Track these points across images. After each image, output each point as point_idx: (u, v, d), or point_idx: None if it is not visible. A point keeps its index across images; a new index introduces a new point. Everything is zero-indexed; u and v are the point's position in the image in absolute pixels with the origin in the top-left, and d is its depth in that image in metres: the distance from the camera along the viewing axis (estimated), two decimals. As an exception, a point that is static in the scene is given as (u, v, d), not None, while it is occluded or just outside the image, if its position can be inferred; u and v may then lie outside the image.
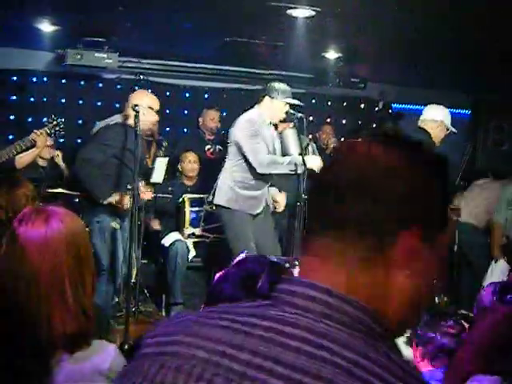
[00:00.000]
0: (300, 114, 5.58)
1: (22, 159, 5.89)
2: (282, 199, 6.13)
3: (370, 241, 0.97)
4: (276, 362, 0.89)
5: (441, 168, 1.04)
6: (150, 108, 5.57)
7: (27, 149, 5.90)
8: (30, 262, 1.79)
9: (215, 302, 1.60)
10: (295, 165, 5.46)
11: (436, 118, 6.03)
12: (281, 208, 6.13)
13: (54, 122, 6.21)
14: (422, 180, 1.00)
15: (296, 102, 5.77)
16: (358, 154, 1.03)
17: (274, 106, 5.63)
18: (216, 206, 5.76)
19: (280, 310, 0.96)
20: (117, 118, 5.64)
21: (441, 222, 1.03)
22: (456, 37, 6.35)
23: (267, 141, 5.62)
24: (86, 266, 1.89)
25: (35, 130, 5.93)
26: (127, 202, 5.37)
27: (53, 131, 6.19)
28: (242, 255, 1.99)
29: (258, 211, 5.65)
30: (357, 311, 0.94)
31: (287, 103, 5.66)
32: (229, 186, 5.61)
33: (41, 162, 7.10)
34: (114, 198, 5.40)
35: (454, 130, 6.08)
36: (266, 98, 5.61)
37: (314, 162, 5.49)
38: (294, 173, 5.51)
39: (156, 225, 6.83)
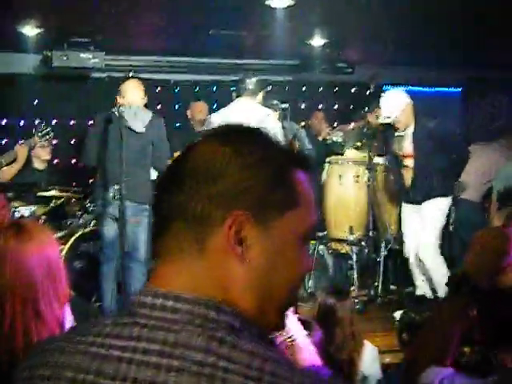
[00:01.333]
0: (284, 105, 5.59)
1: (5, 173, 5.97)
2: None
3: (198, 229, 0.97)
4: (134, 381, 0.90)
5: (269, 150, 1.03)
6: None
7: (11, 161, 5.98)
8: (3, 278, 1.82)
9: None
10: None
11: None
12: None
13: (44, 131, 6.23)
14: (239, 163, 0.99)
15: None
16: (189, 149, 1.05)
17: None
18: None
19: (134, 325, 0.95)
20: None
21: (276, 206, 0.99)
22: (445, 11, 6.31)
23: None
24: (59, 279, 1.92)
25: (19, 143, 5.96)
26: None
27: (44, 139, 6.22)
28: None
29: None
30: (198, 308, 0.94)
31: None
32: None
33: (36, 165, 7.11)
34: None
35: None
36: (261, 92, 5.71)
37: None
38: None
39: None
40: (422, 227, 5.95)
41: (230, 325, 0.94)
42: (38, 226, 2.01)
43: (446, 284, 1.66)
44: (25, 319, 1.84)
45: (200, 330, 0.92)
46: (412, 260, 6.05)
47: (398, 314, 5.65)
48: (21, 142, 6.05)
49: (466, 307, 1.60)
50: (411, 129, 5.93)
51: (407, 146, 5.98)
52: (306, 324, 3.11)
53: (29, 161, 7.08)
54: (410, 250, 6.07)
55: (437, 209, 5.94)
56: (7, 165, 5.99)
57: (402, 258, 6.34)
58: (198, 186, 0.98)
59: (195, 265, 0.98)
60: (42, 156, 7.03)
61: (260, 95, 5.64)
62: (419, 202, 5.96)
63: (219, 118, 5.53)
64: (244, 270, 0.98)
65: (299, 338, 1.68)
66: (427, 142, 5.84)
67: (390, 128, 6.09)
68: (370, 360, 3.33)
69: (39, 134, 6.28)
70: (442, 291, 5.32)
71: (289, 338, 1.69)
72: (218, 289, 0.97)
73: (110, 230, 5.59)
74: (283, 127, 6.08)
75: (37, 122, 6.72)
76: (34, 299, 1.85)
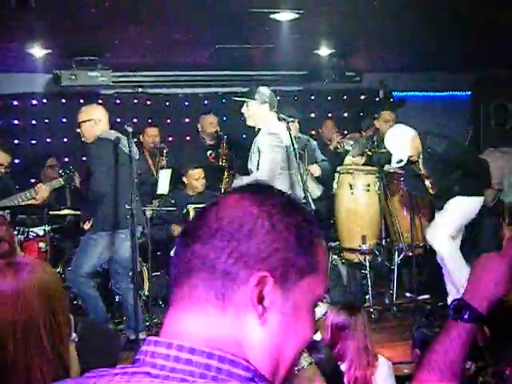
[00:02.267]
0: (291, 119, 5.59)
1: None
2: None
3: (221, 284, 0.98)
4: None
5: (297, 216, 1.05)
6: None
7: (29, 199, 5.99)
8: (4, 316, 1.83)
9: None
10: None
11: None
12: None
13: (68, 175, 6.18)
14: (268, 225, 1.00)
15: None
16: (219, 203, 1.06)
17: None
18: None
19: (145, 375, 0.96)
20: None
21: (297, 270, 1.02)
22: (453, 15, 6.29)
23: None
24: (61, 314, 1.92)
25: (39, 185, 5.95)
26: None
27: (67, 183, 6.20)
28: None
29: None
30: (212, 361, 0.95)
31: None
32: None
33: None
34: None
35: None
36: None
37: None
38: None
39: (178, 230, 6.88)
40: None
41: (243, 378, 0.96)
42: (37, 261, 2.02)
43: (448, 310, 1.65)
44: (27, 356, 1.84)
45: (213, 382, 0.93)
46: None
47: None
48: (43, 185, 6.00)
49: (470, 333, 1.59)
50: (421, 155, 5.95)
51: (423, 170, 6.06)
52: (314, 344, 3.12)
53: (42, 179, 7.16)
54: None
55: (458, 204, 5.94)
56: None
57: (418, 266, 6.33)
58: (227, 243, 0.99)
59: (214, 319, 0.99)
60: (51, 175, 7.09)
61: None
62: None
63: None
64: (261, 329, 0.99)
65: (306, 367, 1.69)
66: (437, 165, 5.88)
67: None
68: (384, 375, 3.31)
69: (64, 178, 6.23)
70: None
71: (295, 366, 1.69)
72: (234, 345, 0.98)
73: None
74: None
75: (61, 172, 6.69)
76: (36, 336, 1.85)
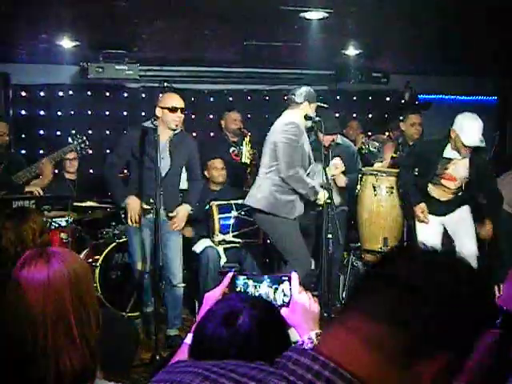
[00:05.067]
0: (317, 118, 5.55)
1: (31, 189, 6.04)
2: (339, 169, 6.16)
3: (408, 344, 0.96)
4: None
5: (484, 299, 1.04)
6: (168, 108, 5.49)
7: (35, 176, 6.04)
8: (35, 305, 1.83)
9: (199, 341, 1.64)
10: (314, 193, 5.53)
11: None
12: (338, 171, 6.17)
13: (80, 140, 6.32)
14: (468, 304, 0.99)
15: (325, 105, 5.91)
16: (424, 266, 1.03)
17: (309, 110, 5.61)
18: (253, 209, 5.74)
19: (282, 378, 0.96)
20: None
21: (465, 353, 1.00)
22: (482, 21, 6.24)
23: (307, 148, 5.62)
24: (90, 304, 1.93)
25: (43, 160, 6.02)
26: (135, 206, 5.49)
27: (79, 148, 6.31)
28: (230, 274, 2.00)
29: (296, 215, 5.61)
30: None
31: (319, 106, 5.76)
32: (269, 191, 5.60)
33: (68, 176, 7.23)
34: (127, 201, 5.53)
35: None
36: (305, 103, 5.57)
37: (334, 171, 5.84)
38: (308, 198, 5.57)
39: (188, 232, 6.87)
40: (457, 235, 6.01)
41: None
42: (66, 250, 2.03)
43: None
44: (57, 346, 1.85)
45: None
46: None
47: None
48: (47, 157, 6.05)
49: (504, 342, 1.57)
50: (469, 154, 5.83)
51: (460, 171, 5.91)
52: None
53: (60, 171, 7.21)
54: None
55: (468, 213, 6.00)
56: (31, 179, 6.03)
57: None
58: (430, 304, 0.97)
59: (383, 364, 0.97)
60: (69, 169, 7.15)
61: (306, 106, 5.59)
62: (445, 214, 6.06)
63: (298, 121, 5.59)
64: None
65: None
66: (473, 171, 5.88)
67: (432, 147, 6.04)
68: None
69: (75, 142, 6.36)
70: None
71: None
72: None
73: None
74: (337, 143, 6.18)
75: (73, 132, 6.83)
76: (65, 326, 1.86)
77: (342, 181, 6.55)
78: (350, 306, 1.03)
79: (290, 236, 5.56)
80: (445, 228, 6.11)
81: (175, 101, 5.54)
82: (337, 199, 6.39)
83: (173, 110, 5.45)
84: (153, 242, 5.48)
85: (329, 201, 5.40)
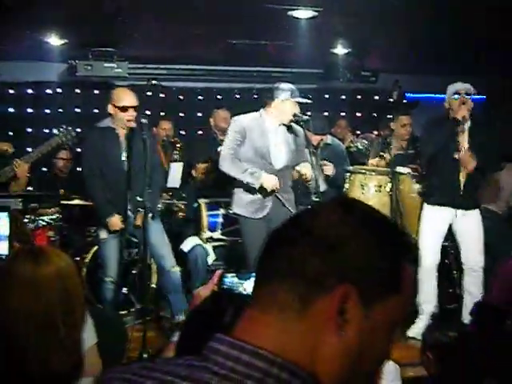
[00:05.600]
0: (306, 116, 5.55)
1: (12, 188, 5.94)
2: (307, 170, 5.67)
3: (305, 290, 0.97)
4: None
5: (392, 237, 1.04)
6: (119, 108, 5.31)
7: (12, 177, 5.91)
8: (22, 303, 1.84)
9: (186, 338, 1.64)
10: (257, 179, 5.36)
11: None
12: (308, 177, 5.67)
13: (65, 132, 6.26)
14: (363, 238, 1.00)
15: (305, 100, 5.62)
16: (311, 211, 1.08)
17: (283, 107, 5.47)
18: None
19: (206, 370, 0.96)
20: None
21: (382, 289, 1.00)
22: (468, 20, 6.28)
23: (264, 144, 5.47)
24: (77, 302, 1.94)
25: (15, 160, 5.86)
26: (117, 224, 5.44)
27: (64, 140, 6.23)
28: (218, 272, 2.01)
29: (263, 215, 5.52)
30: (272, 367, 0.94)
31: (297, 102, 5.54)
32: (235, 190, 5.61)
33: (60, 175, 7.22)
34: (110, 219, 5.45)
35: None
36: (276, 100, 5.46)
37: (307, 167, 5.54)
38: (253, 185, 5.39)
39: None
40: (465, 243, 5.77)
41: None
42: (55, 250, 2.03)
43: (471, 313, 1.65)
44: (45, 344, 1.85)
45: None
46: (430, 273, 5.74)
47: (412, 332, 5.58)
48: (23, 157, 5.82)
49: (494, 339, 1.60)
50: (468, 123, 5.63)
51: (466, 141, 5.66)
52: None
53: (51, 168, 7.19)
54: (431, 259, 5.73)
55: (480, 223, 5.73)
56: (7, 182, 5.89)
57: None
58: (319, 249, 0.99)
59: (290, 324, 0.98)
60: (62, 169, 7.13)
61: (277, 104, 5.47)
62: (466, 208, 5.70)
63: (246, 121, 5.49)
64: (336, 341, 0.98)
65: None
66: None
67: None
68: (391, 378, 3.29)
69: (61, 133, 6.28)
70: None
71: None
72: (305, 354, 0.98)
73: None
74: (326, 144, 6.14)
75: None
76: (53, 324, 1.86)
77: (330, 169, 6.61)
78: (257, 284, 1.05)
79: (248, 237, 5.52)
80: (449, 229, 5.85)
81: (126, 99, 5.31)
82: (323, 187, 6.45)
83: (124, 109, 5.29)
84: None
85: (317, 200, 5.40)
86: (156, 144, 5.82)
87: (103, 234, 5.57)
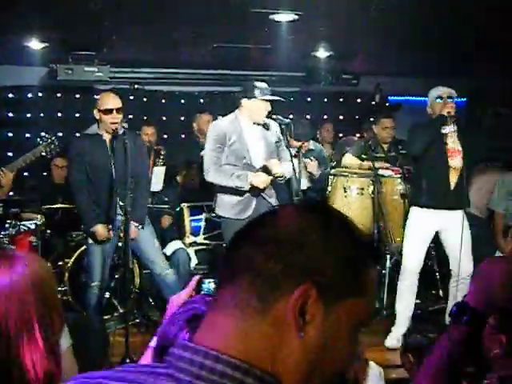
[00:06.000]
0: (287, 120, 5.56)
1: None
2: (275, 167, 5.49)
3: (266, 290, 0.97)
4: None
5: (352, 237, 1.05)
6: (102, 111, 5.31)
7: None
8: (-2, 309, 1.82)
9: (162, 344, 1.63)
10: (246, 181, 5.35)
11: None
12: (279, 174, 5.48)
13: (49, 141, 6.25)
14: (325, 241, 1.01)
15: (275, 98, 5.51)
16: (275, 212, 1.08)
17: (253, 105, 5.45)
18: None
19: (169, 377, 0.96)
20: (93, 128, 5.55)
21: (343, 291, 1.01)
22: (451, 23, 6.31)
23: (243, 145, 5.47)
24: (53, 307, 1.92)
25: (1, 169, 5.82)
26: (103, 234, 5.43)
27: (48, 150, 6.23)
28: (196, 278, 2.00)
29: (247, 215, 5.47)
30: (237, 373, 0.94)
31: (267, 100, 5.46)
32: (217, 193, 5.61)
33: (57, 181, 7.18)
34: (95, 229, 5.45)
35: None
36: (244, 100, 5.46)
37: (280, 169, 5.45)
38: (242, 188, 5.38)
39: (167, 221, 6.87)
40: (452, 248, 5.62)
41: None
42: (31, 255, 2.01)
43: (449, 314, 1.66)
44: (20, 349, 1.84)
45: None
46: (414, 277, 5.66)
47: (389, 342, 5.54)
48: (7, 166, 5.77)
49: (470, 338, 1.60)
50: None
51: (456, 143, 5.56)
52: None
53: (49, 175, 7.16)
54: (414, 264, 5.66)
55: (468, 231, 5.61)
56: None
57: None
58: (278, 249, 0.99)
59: (252, 326, 0.98)
60: (57, 175, 7.10)
61: (246, 103, 5.47)
62: (456, 208, 5.58)
63: (225, 125, 5.49)
64: (298, 342, 0.98)
65: None
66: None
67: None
68: (374, 381, 3.28)
69: (44, 143, 6.26)
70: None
71: None
72: (268, 356, 0.97)
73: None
74: (310, 149, 6.13)
75: (42, 134, 6.75)
76: (29, 328, 1.85)
77: (314, 166, 6.63)
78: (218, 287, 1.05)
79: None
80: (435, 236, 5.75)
81: (110, 102, 5.33)
82: (307, 184, 6.50)
83: (107, 111, 5.28)
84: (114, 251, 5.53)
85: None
86: (143, 149, 5.76)
87: (90, 239, 5.56)
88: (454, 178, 5.57)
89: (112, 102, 5.32)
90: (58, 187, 7.17)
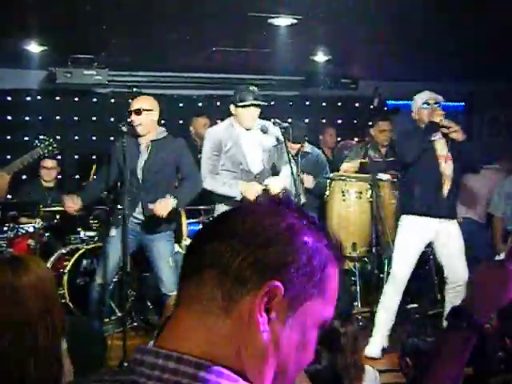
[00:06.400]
0: (285, 124, 5.55)
1: None
2: (275, 187, 5.44)
3: (231, 286, 0.97)
4: None
5: (317, 238, 1.05)
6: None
7: None
8: (1, 311, 1.83)
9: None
10: (236, 190, 5.36)
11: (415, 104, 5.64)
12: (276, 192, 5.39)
13: (47, 143, 6.26)
14: (290, 239, 1.01)
15: (255, 102, 5.36)
16: (244, 207, 1.10)
17: (239, 112, 5.42)
18: None
19: (132, 383, 0.95)
20: None
21: (306, 290, 1.01)
22: (449, 27, 6.33)
23: (239, 151, 5.45)
24: (55, 312, 1.93)
25: None
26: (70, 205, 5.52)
27: (46, 151, 6.24)
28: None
29: None
30: (200, 371, 0.93)
31: (255, 106, 5.37)
32: (216, 201, 5.63)
33: (45, 184, 7.16)
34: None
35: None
36: (232, 106, 5.48)
37: (275, 184, 5.42)
38: (235, 198, 5.36)
39: None
40: (446, 255, 5.53)
41: None
42: (34, 259, 2.02)
43: (446, 318, 1.66)
44: (22, 353, 1.84)
45: None
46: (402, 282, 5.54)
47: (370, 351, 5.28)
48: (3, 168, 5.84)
49: (466, 343, 1.60)
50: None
51: (444, 149, 5.47)
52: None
53: (38, 178, 7.14)
54: (404, 273, 5.49)
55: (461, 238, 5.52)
56: None
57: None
58: (245, 246, 0.99)
59: (216, 323, 0.98)
60: (46, 178, 7.08)
61: (234, 111, 5.47)
62: (449, 217, 5.51)
63: (220, 132, 5.49)
64: (262, 339, 0.98)
65: None
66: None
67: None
68: (371, 384, 3.29)
69: (42, 145, 6.26)
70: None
71: None
72: (232, 354, 0.97)
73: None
74: (305, 152, 6.11)
75: (41, 136, 6.75)
76: (31, 332, 1.85)
77: (310, 181, 6.61)
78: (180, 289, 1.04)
79: None
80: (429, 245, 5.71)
81: (133, 104, 5.45)
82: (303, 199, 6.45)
83: (130, 113, 5.37)
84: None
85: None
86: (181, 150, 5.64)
87: (112, 232, 5.54)
88: (446, 186, 5.47)
89: (134, 103, 5.45)
90: (47, 190, 7.15)
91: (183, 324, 1.00)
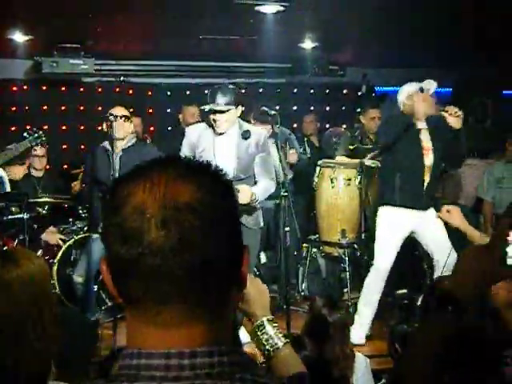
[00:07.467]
0: (273, 112, 5.53)
1: None
2: (243, 195, 4.86)
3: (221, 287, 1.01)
4: None
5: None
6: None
7: None
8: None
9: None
10: None
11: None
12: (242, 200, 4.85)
13: (36, 135, 6.20)
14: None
15: (219, 108, 4.90)
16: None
17: (209, 116, 5.09)
18: None
19: None
20: None
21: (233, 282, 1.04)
22: (436, 13, 6.32)
23: (210, 156, 4.95)
24: (46, 304, 1.91)
25: None
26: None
27: (34, 143, 6.19)
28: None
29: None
30: (215, 358, 0.95)
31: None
32: None
33: (34, 173, 7.10)
34: None
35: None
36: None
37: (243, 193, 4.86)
38: None
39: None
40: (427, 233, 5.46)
41: (242, 362, 0.99)
42: (25, 252, 2.01)
43: (425, 302, 1.66)
44: (14, 351, 1.83)
45: (224, 375, 0.94)
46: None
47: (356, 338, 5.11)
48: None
49: (449, 326, 1.60)
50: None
51: (428, 140, 5.40)
52: (297, 339, 3.11)
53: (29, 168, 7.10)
54: (386, 265, 5.46)
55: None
56: None
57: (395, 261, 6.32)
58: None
59: (215, 318, 1.00)
60: (36, 166, 7.03)
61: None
62: (428, 209, 5.43)
63: (195, 134, 5.26)
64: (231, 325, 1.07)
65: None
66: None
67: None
68: (361, 371, 3.31)
69: (30, 137, 6.22)
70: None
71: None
72: (228, 339, 1.02)
73: None
74: (274, 133, 6.02)
75: (28, 127, 6.71)
76: (22, 327, 1.84)
77: (294, 155, 6.87)
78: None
79: None
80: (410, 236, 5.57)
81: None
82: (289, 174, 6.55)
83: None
84: None
85: (286, 194, 5.39)
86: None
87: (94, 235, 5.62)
88: (426, 177, 5.41)
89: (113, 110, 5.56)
90: (37, 179, 7.09)
91: (182, 334, 0.99)
